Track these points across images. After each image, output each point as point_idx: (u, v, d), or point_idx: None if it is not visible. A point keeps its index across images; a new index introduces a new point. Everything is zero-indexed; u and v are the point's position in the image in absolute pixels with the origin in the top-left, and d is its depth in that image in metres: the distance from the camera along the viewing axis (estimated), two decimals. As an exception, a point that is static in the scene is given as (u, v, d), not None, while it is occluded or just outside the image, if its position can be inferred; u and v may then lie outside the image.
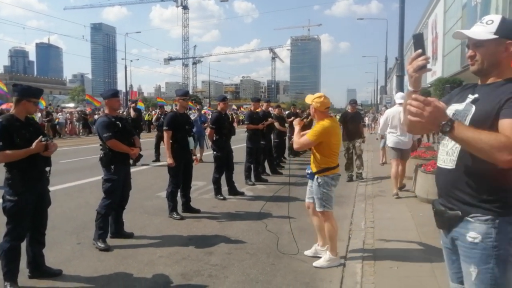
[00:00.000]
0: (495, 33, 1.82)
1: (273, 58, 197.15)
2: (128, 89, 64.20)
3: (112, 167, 4.66)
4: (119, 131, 4.70)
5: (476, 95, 1.88)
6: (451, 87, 15.31)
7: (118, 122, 4.73)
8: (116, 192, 4.72)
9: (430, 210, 5.88)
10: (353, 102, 9.83)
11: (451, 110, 1.91)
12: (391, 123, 7.53)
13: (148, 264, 4.21)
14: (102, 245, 4.55)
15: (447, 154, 1.90)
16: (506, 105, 1.70)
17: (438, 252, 4.27)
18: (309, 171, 4.21)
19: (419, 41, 1.87)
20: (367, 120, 35.65)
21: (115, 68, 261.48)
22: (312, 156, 4.21)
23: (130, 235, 5.03)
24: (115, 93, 4.86)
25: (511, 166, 1.62)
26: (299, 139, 4.13)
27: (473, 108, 1.83)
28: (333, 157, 4.12)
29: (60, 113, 24.92)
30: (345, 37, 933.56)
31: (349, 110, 9.78)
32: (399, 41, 17.73)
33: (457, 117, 1.86)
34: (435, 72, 45.82)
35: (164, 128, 5.89)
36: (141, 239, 4.98)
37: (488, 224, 1.76)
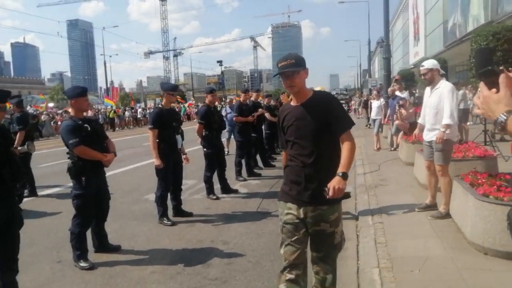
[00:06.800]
0: None
1: (254, 47, 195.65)
2: (108, 85, 62.75)
3: (83, 178, 4.07)
4: (88, 135, 4.09)
5: None
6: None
7: (86, 125, 4.12)
8: (89, 207, 4.17)
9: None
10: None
11: None
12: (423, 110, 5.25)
13: (140, 283, 3.73)
14: (85, 264, 4.04)
15: None
16: None
17: (460, 250, 3.88)
18: None
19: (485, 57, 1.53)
20: (353, 105, 35.44)
21: (95, 64, 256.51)
22: None
23: (116, 248, 4.53)
24: (83, 92, 4.20)
25: None
26: None
27: None
28: None
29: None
30: (326, 23, 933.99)
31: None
32: (384, 23, 17.33)
33: None
34: (418, 52, 45.83)
35: (149, 126, 5.36)
36: (129, 253, 4.48)
37: None
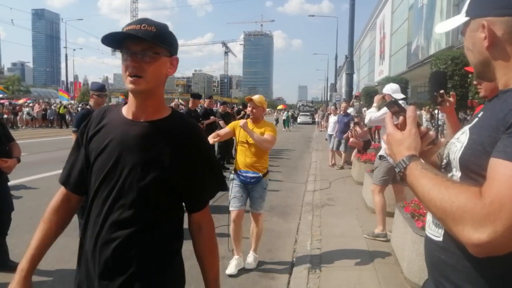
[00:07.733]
0: (466, 14, 1.09)
1: (226, 53, 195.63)
2: (72, 79, 60.58)
3: None
4: None
5: (481, 113, 1.11)
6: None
7: None
8: None
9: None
10: None
11: (455, 137, 1.14)
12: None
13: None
14: (-31, 288, 3.46)
15: (433, 216, 1.13)
16: (509, 131, 0.90)
17: (395, 286, 3.66)
18: (255, 175, 3.84)
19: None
20: (317, 117, 35.79)
21: (59, 57, 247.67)
22: (257, 159, 3.87)
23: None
24: None
25: (481, 252, 0.85)
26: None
27: (467, 136, 1.05)
28: None
29: None
30: (297, 35, 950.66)
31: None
32: (349, 39, 17.50)
33: (450, 152, 1.13)
34: (382, 71, 47.08)
35: (73, 129, 4.81)
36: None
37: None
